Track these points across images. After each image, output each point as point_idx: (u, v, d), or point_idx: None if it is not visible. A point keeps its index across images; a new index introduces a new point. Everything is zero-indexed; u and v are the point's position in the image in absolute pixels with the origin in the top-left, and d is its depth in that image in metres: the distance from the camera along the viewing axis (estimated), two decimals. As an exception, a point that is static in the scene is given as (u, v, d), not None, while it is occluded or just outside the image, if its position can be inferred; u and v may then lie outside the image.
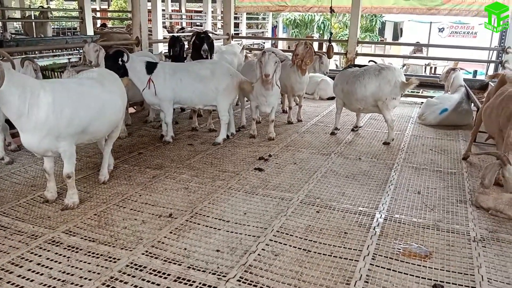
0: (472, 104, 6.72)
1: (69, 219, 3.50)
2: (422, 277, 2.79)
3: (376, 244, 3.18)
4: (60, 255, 2.98)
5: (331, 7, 8.94)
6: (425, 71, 15.06)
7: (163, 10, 17.48)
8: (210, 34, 6.70)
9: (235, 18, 15.51)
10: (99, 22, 18.90)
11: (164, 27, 16.16)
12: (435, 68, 15.11)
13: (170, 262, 2.90)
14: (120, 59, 5.11)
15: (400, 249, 3.11)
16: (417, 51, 16.67)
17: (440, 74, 12.35)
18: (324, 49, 9.43)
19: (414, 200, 4.00)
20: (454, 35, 19.29)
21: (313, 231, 3.37)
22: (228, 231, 3.32)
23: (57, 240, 3.17)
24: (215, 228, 3.37)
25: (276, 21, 22.51)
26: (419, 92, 9.53)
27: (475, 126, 5.23)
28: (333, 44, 8.70)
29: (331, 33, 9.54)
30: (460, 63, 12.63)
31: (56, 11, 21.30)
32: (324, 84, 8.62)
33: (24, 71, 4.76)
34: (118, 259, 2.92)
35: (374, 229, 3.42)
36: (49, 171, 3.72)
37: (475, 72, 11.87)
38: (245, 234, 3.27)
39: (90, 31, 11.76)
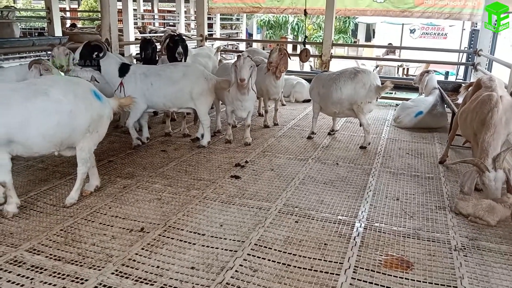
0: (447, 107, 6.77)
1: (33, 235, 3.27)
2: (405, 291, 2.71)
3: (357, 255, 3.09)
4: (23, 276, 2.75)
5: (305, 10, 8.83)
6: (397, 72, 15.21)
7: (135, 10, 17.13)
8: (184, 37, 6.50)
9: (209, 18, 15.32)
10: (68, 22, 18.36)
11: (137, 27, 15.80)
12: (408, 69, 15.29)
13: (142, 282, 2.72)
14: (95, 53, 4.98)
15: (381, 261, 3.02)
16: (390, 52, 16.84)
17: (413, 76, 12.54)
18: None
19: (393, 207, 3.94)
20: (425, 36, 19.62)
21: (292, 243, 3.25)
22: (203, 246, 3.16)
23: (19, 259, 2.94)
24: (190, 243, 3.20)
25: (247, 23, 22.33)
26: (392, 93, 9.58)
27: (451, 130, 5.22)
28: (308, 46, 8.62)
29: (305, 36, 9.35)
30: (433, 65, 12.85)
31: (24, 11, 20.59)
32: (300, 87, 8.58)
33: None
34: (86, 280, 2.72)
35: (354, 239, 3.33)
36: None
37: (447, 73, 12.09)
38: (222, 249, 3.12)
39: (58, 32, 11.38)
